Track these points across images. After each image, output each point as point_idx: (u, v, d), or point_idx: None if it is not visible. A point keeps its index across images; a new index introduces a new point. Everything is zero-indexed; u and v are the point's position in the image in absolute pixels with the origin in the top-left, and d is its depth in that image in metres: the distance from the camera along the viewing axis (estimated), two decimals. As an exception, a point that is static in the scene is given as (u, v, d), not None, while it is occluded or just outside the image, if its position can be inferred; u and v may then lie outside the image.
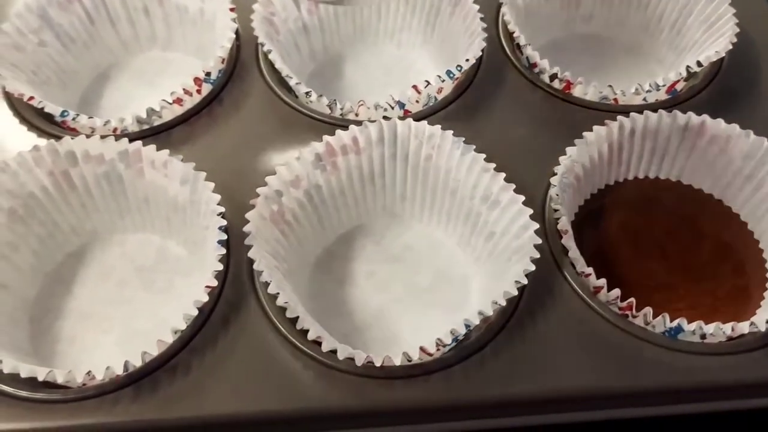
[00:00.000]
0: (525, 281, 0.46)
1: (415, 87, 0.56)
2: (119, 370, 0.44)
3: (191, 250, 0.55)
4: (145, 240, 0.56)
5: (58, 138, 0.54)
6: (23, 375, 0.43)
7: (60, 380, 0.43)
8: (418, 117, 0.58)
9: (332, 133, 0.54)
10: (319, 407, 0.45)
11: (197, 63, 0.66)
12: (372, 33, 0.68)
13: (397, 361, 0.44)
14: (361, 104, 0.56)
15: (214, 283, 0.46)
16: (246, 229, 0.48)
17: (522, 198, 0.50)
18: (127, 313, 0.53)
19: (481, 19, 0.59)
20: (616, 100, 0.58)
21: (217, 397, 0.45)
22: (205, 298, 0.46)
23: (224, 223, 0.48)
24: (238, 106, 0.59)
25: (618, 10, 0.68)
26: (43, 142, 0.55)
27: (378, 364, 0.44)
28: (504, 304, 0.45)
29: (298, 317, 0.45)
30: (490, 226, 0.52)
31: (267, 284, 0.46)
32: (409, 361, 0.46)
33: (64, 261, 0.55)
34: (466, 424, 0.46)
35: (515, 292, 0.45)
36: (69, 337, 0.52)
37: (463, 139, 0.52)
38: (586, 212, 0.55)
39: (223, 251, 0.47)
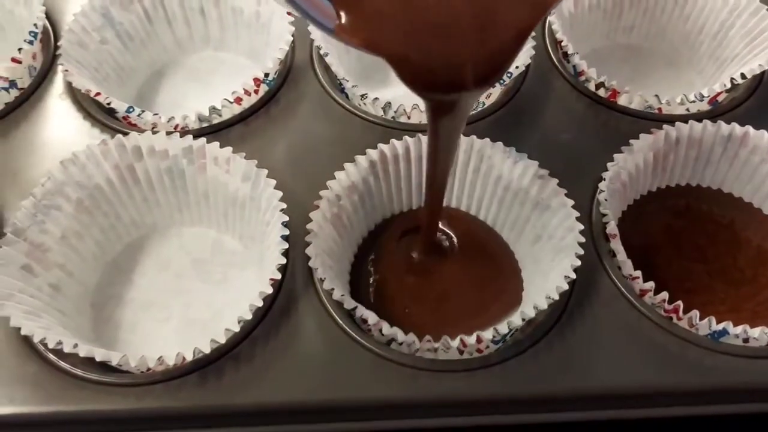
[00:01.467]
0: (573, 275, 0.48)
1: (466, 92, 0.57)
2: (189, 356, 0.46)
3: (246, 244, 0.57)
4: (202, 234, 0.58)
5: (120, 133, 0.56)
6: (98, 359, 0.45)
7: (133, 365, 0.45)
8: (468, 122, 0.59)
9: (384, 135, 0.56)
10: (376, 397, 0.47)
11: (248, 64, 0.68)
12: (418, 38, 0.69)
13: (454, 344, 0.46)
14: (414, 107, 0.58)
15: (278, 276, 0.48)
16: (309, 227, 0.50)
17: (571, 202, 0.51)
18: (185, 303, 0.55)
19: (530, 27, 0.61)
20: (660, 109, 0.60)
21: (279, 386, 0.47)
22: (270, 290, 0.48)
23: (287, 218, 0.50)
24: (294, 107, 0.61)
25: (659, 22, 0.70)
26: (105, 136, 0.57)
27: (436, 345, 0.46)
28: (557, 298, 0.47)
29: (356, 308, 0.47)
30: (537, 230, 0.54)
31: (322, 280, 0.48)
32: (462, 351, 0.48)
33: (123, 251, 0.57)
34: (514, 417, 0.48)
35: (566, 287, 0.47)
36: (130, 324, 0.54)
37: (514, 148, 0.54)
38: (629, 217, 0.57)
39: (287, 245, 0.49)
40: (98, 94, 0.57)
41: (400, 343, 0.48)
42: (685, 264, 0.55)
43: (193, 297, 0.55)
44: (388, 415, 0.48)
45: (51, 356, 0.48)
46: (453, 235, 0.57)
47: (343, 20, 0.38)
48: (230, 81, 0.62)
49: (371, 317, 0.47)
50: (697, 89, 0.60)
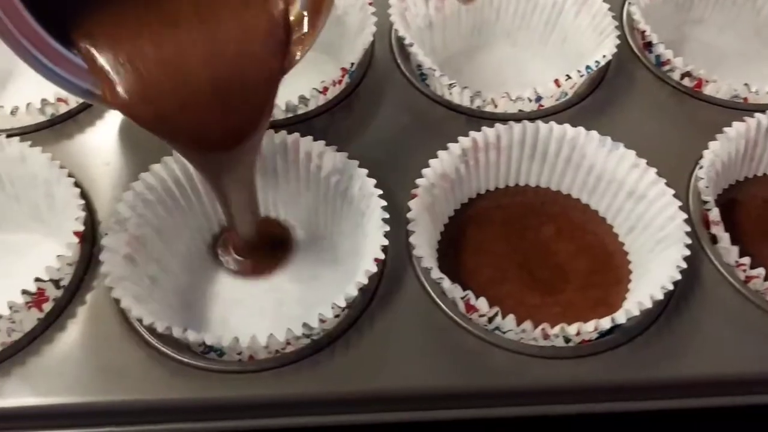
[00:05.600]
0: (684, 265, 0.48)
1: (556, 81, 0.57)
2: (298, 331, 0.45)
3: (336, 241, 0.56)
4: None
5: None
6: (208, 342, 0.45)
7: (244, 346, 0.45)
8: (553, 111, 0.60)
9: (468, 123, 0.56)
10: (482, 384, 0.47)
11: (323, 57, 0.67)
12: (489, 32, 0.69)
13: (572, 331, 0.46)
14: (503, 96, 0.58)
15: (382, 256, 0.48)
16: (410, 215, 0.50)
17: (671, 191, 0.51)
18: (276, 300, 0.54)
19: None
20: (746, 99, 0.60)
21: (390, 372, 0.47)
22: (375, 269, 0.47)
23: (385, 203, 0.50)
24: (377, 97, 0.61)
25: (729, 14, 0.70)
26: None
27: (555, 332, 0.46)
28: (671, 287, 0.47)
29: (467, 295, 0.47)
30: (631, 221, 0.54)
31: (427, 269, 0.48)
32: (567, 341, 0.48)
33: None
34: (622, 405, 0.48)
35: (679, 276, 0.47)
36: (220, 321, 0.53)
37: (609, 137, 0.54)
38: (718, 206, 0.56)
39: (387, 228, 0.49)
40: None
41: (506, 331, 0.48)
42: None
43: (284, 294, 0.54)
44: (495, 403, 0.48)
45: (154, 342, 0.47)
46: None
47: (110, 89, 0.39)
48: (306, 75, 0.62)
49: (484, 304, 0.47)
50: (769, 81, 0.60)
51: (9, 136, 0.53)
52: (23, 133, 0.57)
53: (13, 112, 0.55)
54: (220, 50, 0.41)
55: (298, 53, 0.42)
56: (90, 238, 0.51)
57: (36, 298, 0.47)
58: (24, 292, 0.46)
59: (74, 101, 0.58)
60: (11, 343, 0.47)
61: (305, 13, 0.42)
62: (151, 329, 0.46)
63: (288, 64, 0.42)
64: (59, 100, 0.57)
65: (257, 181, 0.52)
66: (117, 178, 0.55)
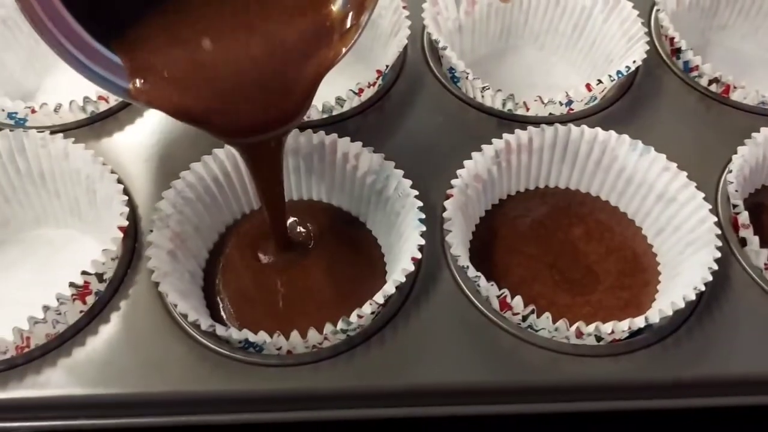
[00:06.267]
0: (716, 267, 0.49)
1: (587, 85, 0.58)
2: (336, 326, 0.46)
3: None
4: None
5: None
6: (251, 339, 0.46)
7: (285, 343, 0.46)
8: (582, 116, 0.60)
9: (500, 126, 0.57)
10: (516, 380, 0.48)
11: (352, 60, 0.68)
12: (517, 35, 0.70)
13: (606, 329, 0.47)
14: (535, 100, 0.59)
15: (419, 255, 0.49)
16: (446, 215, 0.51)
17: (702, 195, 0.52)
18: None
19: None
20: (773, 105, 0.61)
21: (424, 367, 0.48)
22: (411, 268, 0.48)
23: (421, 204, 0.51)
24: (409, 100, 0.62)
25: (753, 21, 0.71)
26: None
27: (589, 332, 0.47)
28: (703, 288, 0.48)
29: (504, 293, 0.48)
30: (660, 223, 0.55)
31: (463, 268, 0.49)
32: (599, 340, 0.49)
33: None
34: (653, 403, 0.49)
35: (710, 278, 0.48)
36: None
37: (640, 141, 0.55)
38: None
39: (424, 228, 0.50)
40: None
41: (538, 329, 0.49)
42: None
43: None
44: (527, 399, 0.49)
45: (196, 335, 0.48)
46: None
47: (141, 83, 0.40)
48: (336, 76, 0.63)
49: (519, 304, 0.48)
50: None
51: (52, 132, 0.55)
52: (64, 129, 0.58)
53: (56, 110, 0.57)
54: (268, 50, 0.42)
55: (343, 50, 0.43)
56: (132, 234, 0.52)
57: (81, 291, 0.48)
58: (71, 284, 0.47)
59: (114, 99, 0.59)
60: (55, 335, 0.49)
61: (349, 10, 0.43)
62: (194, 325, 0.47)
63: (331, 62, 0.43)
64: (100, 98, 0.58)
65: (291, 179, 0.54)
66: (155, 175, 0.56)
